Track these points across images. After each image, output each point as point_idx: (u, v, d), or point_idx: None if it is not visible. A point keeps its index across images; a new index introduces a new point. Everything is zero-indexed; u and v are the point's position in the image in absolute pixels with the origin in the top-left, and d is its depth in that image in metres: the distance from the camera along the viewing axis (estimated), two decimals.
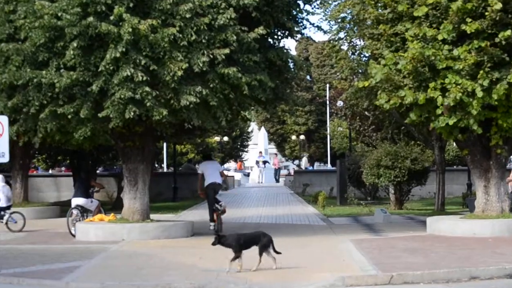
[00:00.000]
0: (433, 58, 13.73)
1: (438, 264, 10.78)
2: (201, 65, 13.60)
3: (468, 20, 13.62)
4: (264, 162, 46.73)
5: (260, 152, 49.67)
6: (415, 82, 14.19)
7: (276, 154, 47.58)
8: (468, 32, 13.64)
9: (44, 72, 13.67)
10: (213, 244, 10.34)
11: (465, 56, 13.60)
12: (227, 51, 13.66)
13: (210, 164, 16.83)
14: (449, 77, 13.71)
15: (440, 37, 13.83)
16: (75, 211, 16.47)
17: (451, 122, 14.04)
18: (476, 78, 13.67)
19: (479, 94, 13.54)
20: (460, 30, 13.89)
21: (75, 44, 13.34)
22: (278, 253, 10.45)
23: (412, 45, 13.89)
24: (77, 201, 16.58)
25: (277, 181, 46.33)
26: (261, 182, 45.43)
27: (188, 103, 13.55)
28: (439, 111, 14.08)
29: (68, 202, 22.13)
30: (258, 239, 10.32)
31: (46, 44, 13.71)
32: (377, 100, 14.75)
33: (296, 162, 64.96)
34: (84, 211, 16.63)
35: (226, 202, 17.16)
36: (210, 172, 16.37)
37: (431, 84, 13.97)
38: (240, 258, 10.16)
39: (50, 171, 35.20)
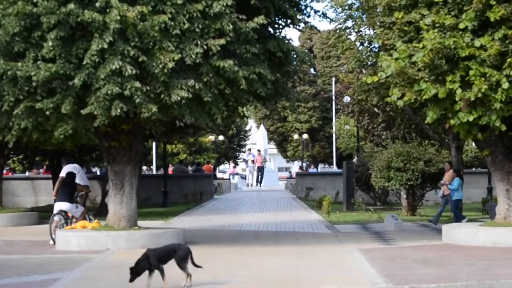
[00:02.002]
0: (453, 47, 13.74)
1: (455, 276, 10.78)
2: (193, 56, 13.58)
3: (493, 2, 13.66)
4: (253, 161, 45.45)
5: (249, 150, 49.23)
6: (431, 75, 14.20)
7: (259, 150, 46.06)
8: (492, 19, 13.68)
9: (19, 64, 13.61)
10: (131, 280, 9.74)
11: (492, 45, 13.64)
12: (222, 41, 13.65)
13: (74, 167, 17.85)
14: (473, 68, 13.73)
15: (462, 26, 13.85)
16: (57, 217, 16.44)
17: (471, 118, 14.05)
18: (501, 69, 13.71)
19: (505, 85, 13.58)
20: (482, 19, 13.92)
21: (52, 36, 13.27)
22: (198, 266, 10.13)
23: (428, 35, 13.91)
24: (61, 205, 16.54)
25: (259, 183, 43.78)
26: (252, 185, 44.55)
27: (179, 98, 13.53)
28: (457, 107, 14.10)
29: (48, 208, 22.15)
30: (173, 252, 10.03)
31: (21, 33, 13.65)
32: (389, 97, 14.74)
33: (298, 163, 64.94)
34: (67, 217, 16.59)
35: (221, 208, 17.20)
36: (80, 174, 17.50)
37: (449, 77, 13.98)
38: (150, 276, 9.82)
39: (27, 174, 35.17)
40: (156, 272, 9.84)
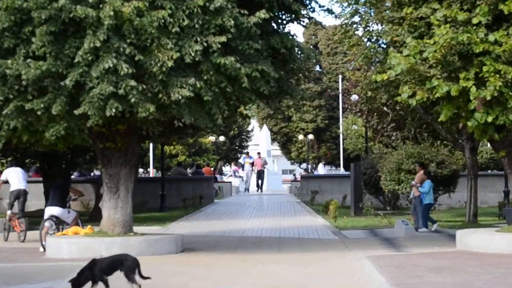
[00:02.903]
0: (467, 43, 13.74)
1: (469, 285, 10.78)
2: (193, 54, 13.56)
3: None
4: (252, 164, 45.18)
5: (247, 153, 49.18)
6: (443, 72, 14.20)
7: (259, 153, 45.90)
8: (506, 12, 13.67)
9: (9, 61, 13.62)
10: None
11: (506, 40, 13.64)
12: (223, 39, 13.64)
13: (16, 170, 19.24)
14: (487, 64, 13.72)
15: (475, 21, 13.85)
16: (47, 223, 16.45)
17: (490, 119, 14.03)
18: None
19: None
20: (496, 12, 13.91)
21: (42, 31, 13.23)
22: (146, 278, 10.00)
23: (440, 30, 13.92)
24: (52, 210, 16.56)
25: (259, 188, 43.42)
26: (248, 190, 44.14)
27: (180, 97, 13.51)
28: (471, 106, 14.09)
29: (38, 213, 22.13)
30: (119, 262, 9.94)
31: (11, 29, 13.67)
32: (399, 95, 14.73)
33: (303, 165, 64.91)
34: (59, 223, 16.62)
35: (222, 212, 17.21)
36: (18, 177, 18.93)
37: (462, 74, 13.98)
38: (96, 284, 9.76)
39: None
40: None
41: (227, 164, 62.89)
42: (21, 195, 18.98)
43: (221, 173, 51.28)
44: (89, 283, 9.72)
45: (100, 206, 16.23)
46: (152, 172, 45.39)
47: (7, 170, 19.42)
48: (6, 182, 19.25)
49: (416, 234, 18.90)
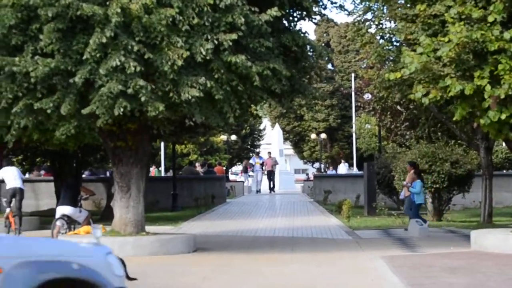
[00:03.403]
0: (481, 41, 13.70)
1: (485, 285, 10.73)
2: (204, 53, 13.55)
3: None
4: (262, 165, 44.85)
5: (257, 154, 49.03)
6: (457, 71, 14.16)
7: (269, 152, 45.65)
8: None
9: (17, 59, 13.60)
10: None
11: None
12: (234, 36, 13.61)
13: (11, 170, 19.93)
14: (503, 63, 13.68)
15: (490, 19, 13.80)
16: (59, 222, 16.52)
17: (503, 116, 13.98)
18: None
19: None
20: (511, 10, 13.85)
21: (49, 28, 13.24)
22: (132, 279, 10.03)
23: (454, 28, 13.87)
24: (64, 210, 16.63)
25: (271, 189, 43.03)
26: (259, 191, 43.72)
27: (190, 97, 13.51)
28: (485, 104, 14.04)
29: (49, 212, 22.25)
30: None
31: (18, 26, 13.65)
32: (412, 94, 14.70)
33: (316, 165, 64.79)
34: (70, 222, 16.68)
35: (234, 212, 17.17)
36: (14, 176, 19.56)
37: (476, 73, 13.94)
38: None
39: (27, 176, 35.31)
40: None
41: (239, 163, 62.75)
42: (17, 193, 19.42)
43: (246, 171, 50.71)
44: None
45: (112, 205, 16.27)
46: (153, 171, 44.78)
47: (2, 170, 19.99)
48: (2, 181, 19.86)
49: (430, 234, 18.85)
